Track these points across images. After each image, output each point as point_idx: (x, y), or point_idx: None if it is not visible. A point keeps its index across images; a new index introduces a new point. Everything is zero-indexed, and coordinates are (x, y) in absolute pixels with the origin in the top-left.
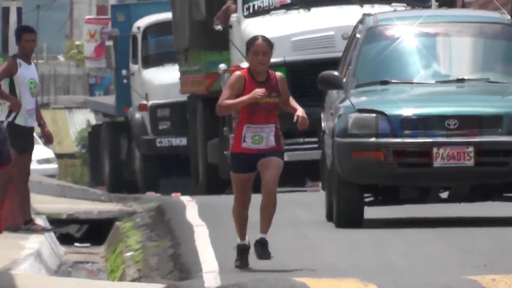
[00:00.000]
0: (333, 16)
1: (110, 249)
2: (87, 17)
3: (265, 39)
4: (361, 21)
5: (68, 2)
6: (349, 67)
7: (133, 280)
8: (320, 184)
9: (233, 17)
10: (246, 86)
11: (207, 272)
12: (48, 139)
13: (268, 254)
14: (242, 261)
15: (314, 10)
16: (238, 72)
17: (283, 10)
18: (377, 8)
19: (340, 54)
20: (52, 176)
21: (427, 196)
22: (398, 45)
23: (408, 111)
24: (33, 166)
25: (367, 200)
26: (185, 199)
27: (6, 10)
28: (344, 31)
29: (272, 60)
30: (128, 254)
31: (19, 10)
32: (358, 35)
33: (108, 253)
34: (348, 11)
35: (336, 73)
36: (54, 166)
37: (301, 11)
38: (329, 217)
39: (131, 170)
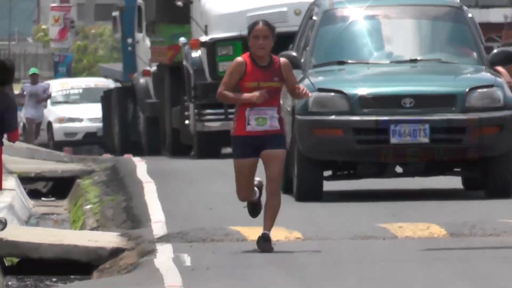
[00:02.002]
0: None
1: (72, 203)
2: (52, 4)
3: (266, 23)
4: (316, 4)
5: None
6: (307, 48)
7: (92, 229)
8: None
9: None
10: (248, 71)
11: (155, 222)
12: None
13: (271, 249)
14: (255, 213)
15: None
16: (239, 58)
17: None
18: None
19: (292, 29)
20: None
21: (384, 171)
22: (353, 27)
23: (365, 90)
24: None
25: (326, 175)
26: (136, 159)
27: None
28: (296, 7)
29: (229, 34)
30: (88, 207)
31: None
32: (314, 17)
33: (70, 206)
34: None
35: (294, 53)
36: None
37: None
38: (284, 190)
39: (137, 132)
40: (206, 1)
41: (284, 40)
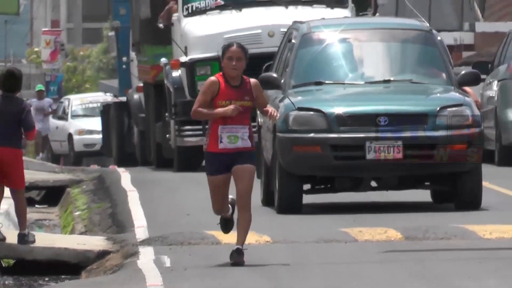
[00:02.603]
0: (260, 16)
1: (63, 209)
2: (43, 29)
3: (240, 46)
4: (294, 27)
5: (29, 17)
6: (286, 69)
7: (81, 233)
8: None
9: (175, 16)
10: (220, 90)
11: (138, 227)
12: None
13: (242, 262)
14: (227, 229)
15: (245, 10)
16: (212, 78)
17: (218, 11)
18: (300, 9)
19: (266, 50)
20: None
21: (360, 185)
22: (330, 49)
23: (342, 109)
24: None
25: (305, 189)
26: (120, 170)
27: None
28: (270, 29)
29: (207, 55)
30: (77, 213)
31: None
32: (293, 40)
33: (61, 213)
34: (274, 11)
35: (275, 74)
36: None
37: (234, 11)
38: (265, 202)
39: (132, 144)
40: (186, 23)
41: (259, 61)
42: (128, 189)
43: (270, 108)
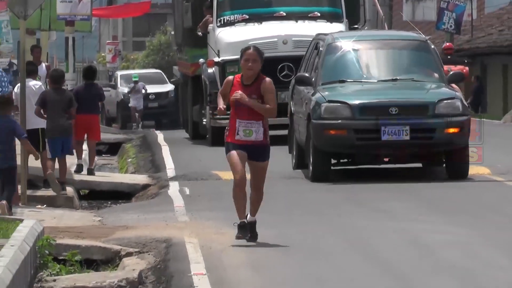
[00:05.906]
0: (276, 28)
1: (120, 158)
2: (107, 41)
3: (256, 49)
4: (320, 38)
5: (98, 34)
6: (316, 71)
7: (131, 173)
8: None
9: (210, 26)
10: (232, 87)
11: (169, 168)
12: None
13: (256, 236)
14: (242, 234)
15: (264, 23)
16: (229, 77)
17: (244, 23)
18: (307, 23)
19: (280, 54)
20: None
21: (375, 160)
22: (349, 55)
23: (362, 102)
24: None
25: (332, 163)
26: (157, 132)
27: (67, 38)
28: (284, 38)
29: (235, 57)
30: (129, 160)
31: (73, 39)
32: (321, 48)
33: (119, 159)
34: (287, 25)
35: (307, 74)
36: None
37: (256, 24)
38: (297, 166)
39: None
40: (219, 32)
41: (274, 62)
42: (162, 144)
43: (245, 98)
